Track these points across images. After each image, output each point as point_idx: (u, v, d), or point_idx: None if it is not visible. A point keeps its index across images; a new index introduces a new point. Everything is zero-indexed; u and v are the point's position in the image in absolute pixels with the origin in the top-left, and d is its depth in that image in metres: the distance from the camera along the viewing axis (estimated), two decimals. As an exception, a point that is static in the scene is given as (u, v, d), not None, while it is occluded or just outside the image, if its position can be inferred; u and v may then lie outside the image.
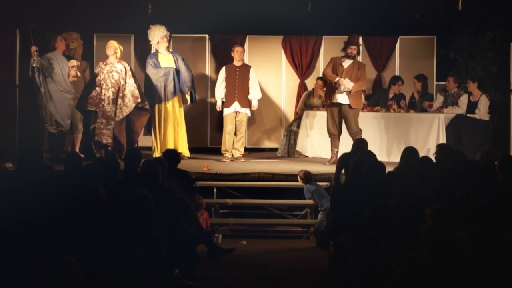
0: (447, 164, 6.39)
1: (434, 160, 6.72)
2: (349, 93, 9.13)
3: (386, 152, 9.68)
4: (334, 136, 9.39)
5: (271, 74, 11.37)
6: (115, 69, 9.41)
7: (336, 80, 9.11)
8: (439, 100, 10.18)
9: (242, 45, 10.82)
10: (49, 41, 9.70)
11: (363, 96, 10.27)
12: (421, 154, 6.98)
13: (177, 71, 9.73)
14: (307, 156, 10.44)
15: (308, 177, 8.09)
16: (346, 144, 9.26)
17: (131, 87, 9.40)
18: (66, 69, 9.34)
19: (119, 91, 9.36)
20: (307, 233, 8.27)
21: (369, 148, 7.58)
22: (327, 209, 7.48)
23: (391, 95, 10.55)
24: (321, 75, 10.70)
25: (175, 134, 9.82)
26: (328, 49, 11.07)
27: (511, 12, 10.24)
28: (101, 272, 4.08)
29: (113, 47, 9.47)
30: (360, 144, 7.65)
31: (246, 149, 10.52)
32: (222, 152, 9.89)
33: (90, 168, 5.76)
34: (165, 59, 9.81)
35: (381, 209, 4.94)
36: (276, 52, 11.40)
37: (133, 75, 9.61)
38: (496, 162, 5.88)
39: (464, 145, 9.54)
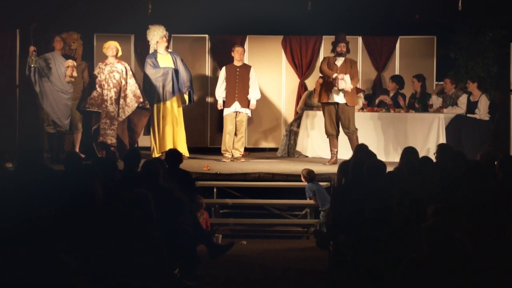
0: (447, 164, 6.39)
1: (434, 160, 6.72)
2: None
3: (386, 152, 9.67)
4: (332, 136, 9.39)
5: (271, 74, 11.37)
6: (115, 69, 9.43)
7: (334, 76, 9.13)
8: (437, 102, 10.16)
9: (242, 45, 10.82)
10: (49, 41, 9.72)
11: (362, 96, 10.28)
12: (421, 154, 6.99)
13: (176, 71, 9.73)
14: (307, 156, 10.44)
15: (311, 176, 8.12)
16: (346, 144, 9.28)
17: (132, 87, 9.43)
18: (63, 69, 9.34)
19: (120, 91, 9.39)
20: (307, 233, 8.27)
21: (369, 148, 7.57)
22: (327, 209, 7.48)
23: (391, 94, 10.58)
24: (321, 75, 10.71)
25: (174, 134, 9.82)
26: (328, 49, 11.02)
27: (511, 12, 10.24)
28: (101, 272, 4.08)
29: (115, 48, 9.50)
30: (361, 148, 7.61)
31: (246, 149, 10.52)
32: (222, 152, 9.90)
33: (89, 168, 5.76)
34: (164, 59, 9.82)
35: (381, 209, 4.94)
36: (276, 52, 11.40)
37: (133, 75, 9.64)
38: (496, 162, 5.88)
39: (464, 145, 9.54)
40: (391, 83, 10.64)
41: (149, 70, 9.76)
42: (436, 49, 11.27)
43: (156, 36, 9.76)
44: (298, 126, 10.59)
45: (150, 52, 9.98)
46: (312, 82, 11.14)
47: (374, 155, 6.91)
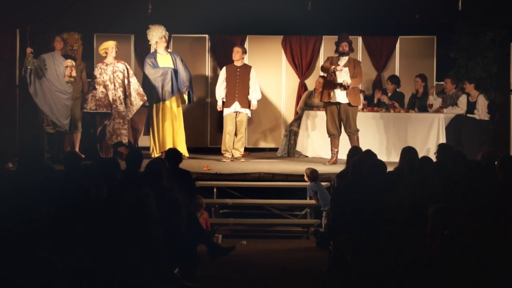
0: (447, 164, 6.39)
1: (434, 160, 6.72)
2: (347, 87, 9.16)
3: (386, 152, 9.67)
4: (334, 136, 9.40)
5: (271, 74, 11.37)
6: (118, 69, 9.49)
7: (333, 68, 9.16)
8: (437, 102, 10.16)
9: (242, 45, 10.81)
10: (49, 41, 9.71)
11: (362, 96, 10.28)
12: (421, 154, 6.98)
13: (175, 71, 9.74)
14: (307, 156, 10.44)
15: (314, 175, 8.13)
16: (346, 144, 9.27)
17: (135, 86, 9.54)
18: (62, 69, 9.34)
19: (125, 91, 9.46)
20: (307, 233, 8.26)
21: (369, 148, 7.57)
22: (327, 210, 7.48)
23: (389, 94, 10.59)
24: (321, 74, 10.71)
25: (173, 134, 9.83)
26: (328, 49, 11.06)
27: (511, 12, 10.24)
28: (101, 272, 4.08)
29: (116, 47, 9.54)
30: (356, 151, 7.58)
31: (246, 149, 10.52)
32: (222, 152, 9.90)
33: (88, 168, 5.76)
34: (163, 59, 9.83)
35: (381, 209, 4.94)
36: (276, 52, 11.40)
37: (134, 73, 9.71)
38: (496, 162, 5.88)
39: (464, 145, 9.55)
40: (390, 84, 10.65)
41: (148, 70, 9.77)
42: (436, 49, 11.27)
43: (156, 36, 9.77)
44: (298, 126, 10.59)
45: (151, 52, 9.99)
46: (312, 82, 11.14)
47: (374, 155, 6.90)
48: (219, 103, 9.90)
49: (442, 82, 10.88)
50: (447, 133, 9.58)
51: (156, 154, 9.63)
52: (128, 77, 9.52)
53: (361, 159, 6.28)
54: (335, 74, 9.22)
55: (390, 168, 6.47)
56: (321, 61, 11.26)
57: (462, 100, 10.05)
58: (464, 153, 6.71)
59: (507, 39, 10.43)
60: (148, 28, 9.83)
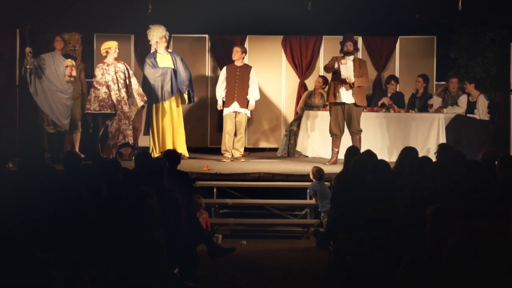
0: (447, 164, 6.39)
1: (434, 160, 6.72)
2: (352, 85, 9.16)
3: (387, 152, 9.67)
4: (336, 136, 9.40)
5: (271, 74, 11.37)
6: (119, 69, 9.51)
7: (338, 59, 9.17)
8: (437, 102, 10.16)
9: (242, 45, 10.81)
10: (49, 41, 9.71)
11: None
12: (421, 154, 6.98)
13: (175, 71, 9.75)
14: (307, 156, 10.44)
15: (320, 174, 8.14)
16: (346, 144, 9.26)
17: (135, 86, 9.58)
18: (62, 69, 9.34)
19: (128, 91, 9.49)
20: (307, 233, 8.27)
21: (370, 148, 7.56)
22: (327, 211, 7.48)
23: (389, 95, 10.59)
24: (321, 74, 10.72)
25: (173, 134, 9.84)
26: (328, 49, 11.07)
27: (511, 12, 10.24)
28: (101, 272, 4.08)
29: (117, 47, 9.56)
30: (354, 151, 7.57)
31: (246, 149, 10.52)
32: (222, 152, 9.90)
33: (87, 168, 5.75)
34: (163, 59, 9.83)
35: (381, 209, 4.94)
36: (276, 52, 11.40)
37: (133, 74, 9.74)
38: (496, 162, 5.88)
39: (464, 145, 9.54)
40: (394, 84, 10.64)
41: (148, 70, 9.78)
42: (436, 49, 11.27)
43: (156, 36, 9.78)
44: (298, 126, 10.59)
45: (151, 52, 9.99)
46: (312, 82, 11.14)
47: (374, 155, 6.90)
48: (219, 102, 9.90)
49: (443, 82, 10.89)
50: (447, 133, 9.59)
51: (156, 154, 9.63)
52: (129, 77, 9.55)
53: (361, 159, 6.28)
54: (339, 68, 9.20)
55: (390, 168, 6.48)
56: (321, 61, 11.28)
57: (463, 99, 10.06)
58: (464, 153, 6.71)
59: (507, 39, 10.43)
60: (148, 28, 9.84)
